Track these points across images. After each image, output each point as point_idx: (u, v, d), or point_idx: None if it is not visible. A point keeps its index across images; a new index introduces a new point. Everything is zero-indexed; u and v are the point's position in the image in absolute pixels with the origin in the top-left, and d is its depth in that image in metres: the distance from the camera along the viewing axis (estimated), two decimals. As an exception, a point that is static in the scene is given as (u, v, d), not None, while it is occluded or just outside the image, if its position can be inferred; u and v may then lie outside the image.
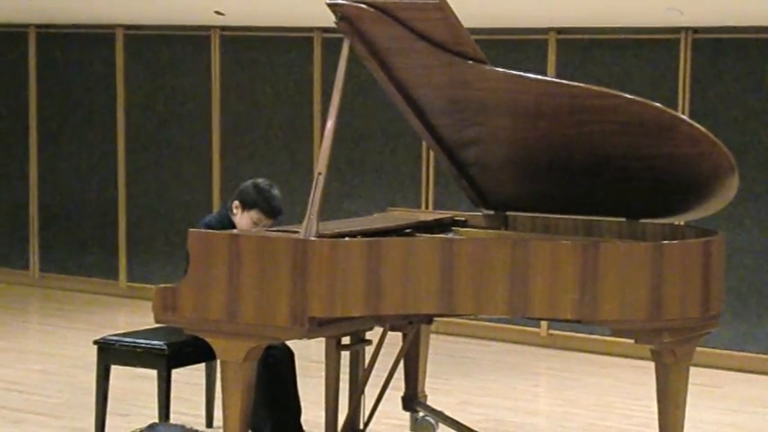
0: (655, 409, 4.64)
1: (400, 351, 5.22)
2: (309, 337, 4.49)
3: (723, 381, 6.98)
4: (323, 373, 5.02)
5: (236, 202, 5.32)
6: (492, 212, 5.36)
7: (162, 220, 8.96)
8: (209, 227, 5.15)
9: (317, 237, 4.34)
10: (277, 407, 5.24)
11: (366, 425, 5.17)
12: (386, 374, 5.13)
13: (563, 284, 4.28)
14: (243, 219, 5.29)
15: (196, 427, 2.10)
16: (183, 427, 1.99)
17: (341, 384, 5.06)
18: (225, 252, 4.41)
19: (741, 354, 7.20)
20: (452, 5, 4.46)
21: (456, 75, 4.63)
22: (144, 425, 2.05)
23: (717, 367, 7.14)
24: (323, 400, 5.07)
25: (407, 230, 4.98)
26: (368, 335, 5.14)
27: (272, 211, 5.29)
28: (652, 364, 4.61)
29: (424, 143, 7.45)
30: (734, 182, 4.60)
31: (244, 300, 4.38)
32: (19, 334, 8.00)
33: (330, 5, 4.57)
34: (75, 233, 9.30)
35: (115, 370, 5.32)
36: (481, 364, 7.31)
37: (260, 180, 5.39)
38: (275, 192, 5.33)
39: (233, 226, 5.26)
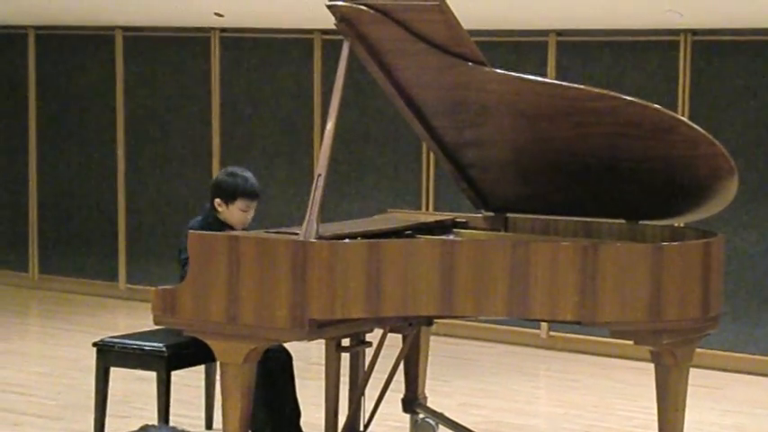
0: (655, 410, 4.63)
1: (400, 353, 5.22)
2: (309, 339, 4.48)
3: (723, 382, 6.97)
4: (323, 376, 5.02)
5: (218, 200, 5.30)
6: (492, 214, 5.35)
7: (161, 222, 8.95)
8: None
9: (317, 238, 4.34)
10: (276, 409, 5.23)
11: (366, 427, 5.16)
12: (386, 376, 5.12)
13: (563, 286, 4.27)
14: (232, 212, 5.28)
15: (193, 430, 2.09)
16: (175, 429, 1.98)
17: (341, 386, 5.05)
18: (225, 254, 4.40)
19: (741, 355, 7.19)
20: (452, 7, 4.46)
21: (456, 76, 4.62)
22: (140, 427, 2.03)
23: (717, 369, 7.13)
24: (323, 402, 5.06)
25: (407, 232, 4.97)
26: (368, 337, 5.14)
27: (254, 191, 5.29)
28: (652, 366, 4.61)
29: (424, 145, 7.45)
30: (733, 184, 4.60)
31: (243, 302, 4.38)
32: (18, 336, 7.99)
33: (330, 7, 4.57)
34: (75, 235, 9.30)
35: (114, 372, 5.31)
36: (481, 365, 7.31)
37: (228, 169, 5.42)
38: (248, 173, 5.34)
39: (218, 224, 5.24)
